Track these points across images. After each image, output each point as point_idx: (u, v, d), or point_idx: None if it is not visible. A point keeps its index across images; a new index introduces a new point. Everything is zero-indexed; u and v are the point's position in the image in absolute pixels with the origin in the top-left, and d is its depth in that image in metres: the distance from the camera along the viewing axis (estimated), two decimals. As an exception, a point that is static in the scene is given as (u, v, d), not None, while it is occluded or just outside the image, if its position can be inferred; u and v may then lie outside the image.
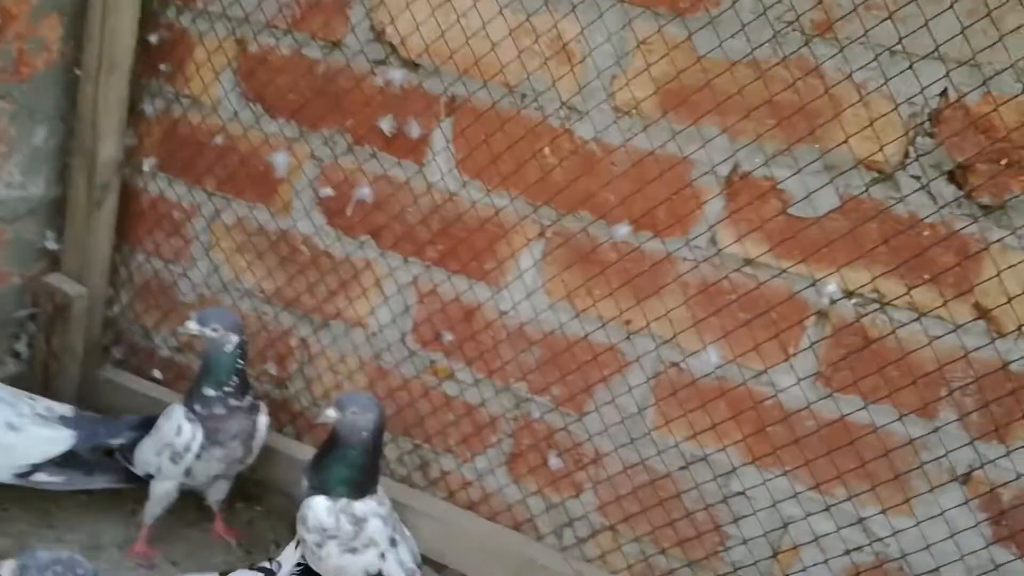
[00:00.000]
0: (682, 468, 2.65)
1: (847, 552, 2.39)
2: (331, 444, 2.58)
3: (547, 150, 2.65)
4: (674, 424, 2.63)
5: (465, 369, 2.91)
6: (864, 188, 2.21)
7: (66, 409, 2.94)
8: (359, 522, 2.56)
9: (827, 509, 2.40)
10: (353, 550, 2.56)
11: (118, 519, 3.07)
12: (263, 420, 2.86)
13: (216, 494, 2.98)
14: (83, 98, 3.10)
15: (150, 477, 2.86)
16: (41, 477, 2.81)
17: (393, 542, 2.66)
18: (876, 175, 2.20)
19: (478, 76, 2.68)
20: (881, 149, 2.14)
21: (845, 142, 2.18)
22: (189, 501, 3.01)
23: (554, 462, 2.82)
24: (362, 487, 2.59)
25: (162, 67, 3.19)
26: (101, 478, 2.94)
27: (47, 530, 2.96)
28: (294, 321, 3.18)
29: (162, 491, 2.84)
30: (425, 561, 2.81)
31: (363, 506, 2.59)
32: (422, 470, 3.06)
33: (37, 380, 3.32)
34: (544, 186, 2.67)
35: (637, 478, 2.72)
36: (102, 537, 2.99)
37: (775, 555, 2.56)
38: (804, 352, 2.42)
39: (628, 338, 2.66)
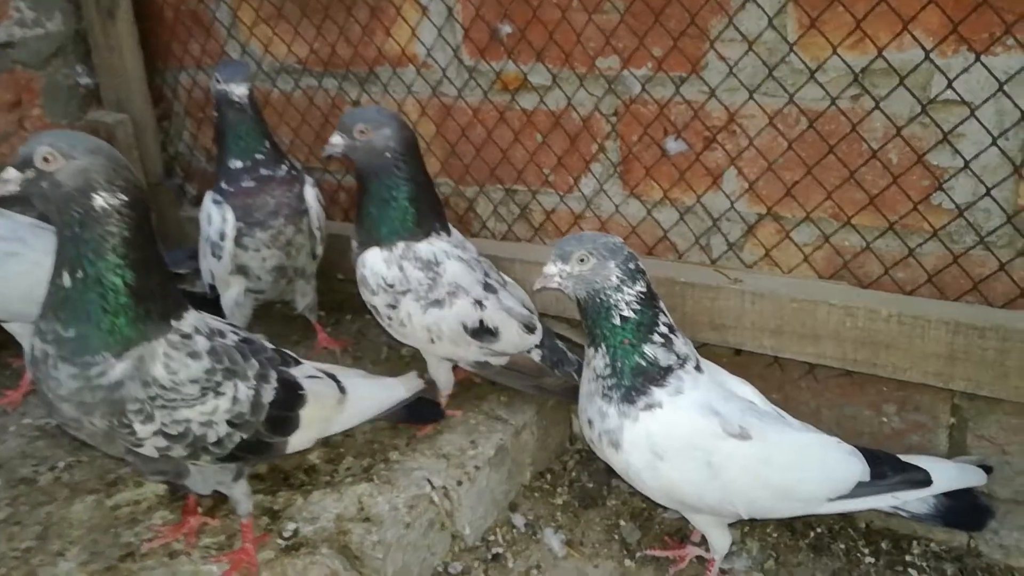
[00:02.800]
0: (855, 95, 1.80)
1: None
2: (362, 187, 2.00)
3: None
4: (828, 26, 1.77)
5: (537, 67, 2.20)
6: None
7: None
8: (431, 266, 1.99)
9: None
10: (437, 302, 2.00)
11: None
12: (311, 192, 2.33)
13: (301, 299, 2.52)
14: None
15: (216, 294, 2.44)
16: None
17: (489, 288, 2.06)
18: None
19: None
20: None
21: None
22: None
23: (674, 146, 2.06)
24: (419, 224, 2.00)
25: None
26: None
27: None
28: (338, 84, 2.60)
29: (230, 302, 2.41)
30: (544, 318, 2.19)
31: (429, 247, 2.01)
32: (524, 218, 2.41)
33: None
34: None
35: (791, 130, 1.90)
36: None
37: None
38: None
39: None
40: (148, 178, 2.96)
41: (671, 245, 2.18)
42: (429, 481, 2.06)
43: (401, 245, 1.98)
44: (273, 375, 1.73)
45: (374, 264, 1.99)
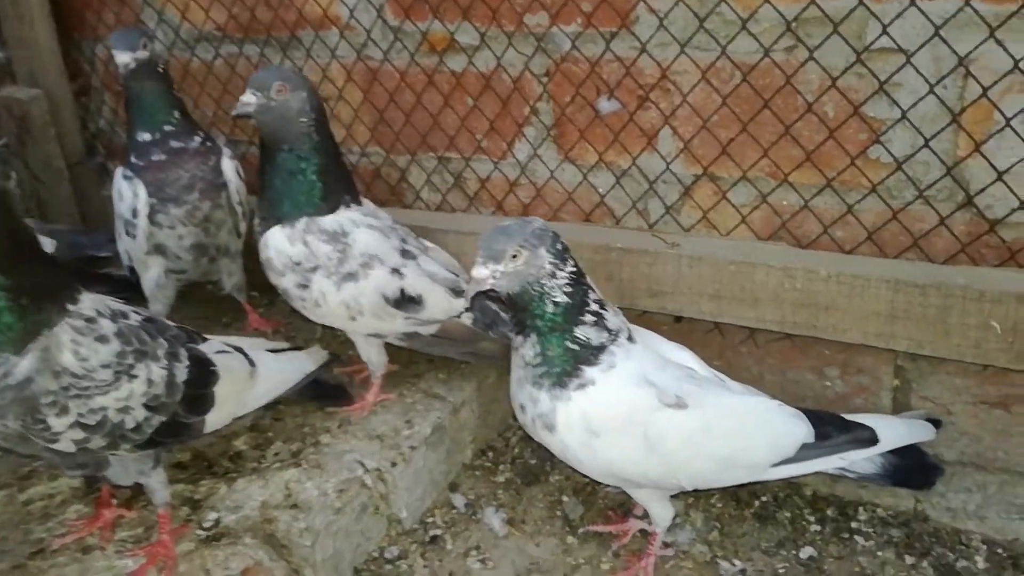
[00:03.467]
0: (789, 46, 1.72)
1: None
2: (267, 157, 1.87)
3: None
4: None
5: (464, 26, 2.09)
6: None
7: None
8: (337, 237, 1.88)
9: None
10: (351, 275, 1.89)
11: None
12: (229, 165, 2.20)
13: (228, 279, 2.40)
14: None
15: (137, 277, 2.31)
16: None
17: (407, 254, 1.96)
18: None
19: None
20: None
21: None
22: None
23: (607, 106, 1.98)
24: (326, 199, 1.88)
25: None
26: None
27: None
28: (260, 50, 2.47)
29: (151, 284, 2.28)
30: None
31: (336, 219, 1.90)
32: (458, 187, 2.31)
33: (33, 213, 2.86)
34: None
35: (725, 85, 1.82)
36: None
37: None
38: None
39: None
40: (68, 157, 2.82)
41: (608, 211, 2.10)
42: (361, 464, 1.97)
43: (303, 221, 1.87)
44: (183, 353, 1.65)
45: (277, 243, 1.87)
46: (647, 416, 1.56)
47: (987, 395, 1.78)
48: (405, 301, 1.94)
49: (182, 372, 1.63)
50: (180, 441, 1.80)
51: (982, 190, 1.63)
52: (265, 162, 1.86)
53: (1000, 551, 1.84)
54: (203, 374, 1.68)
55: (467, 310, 2.02)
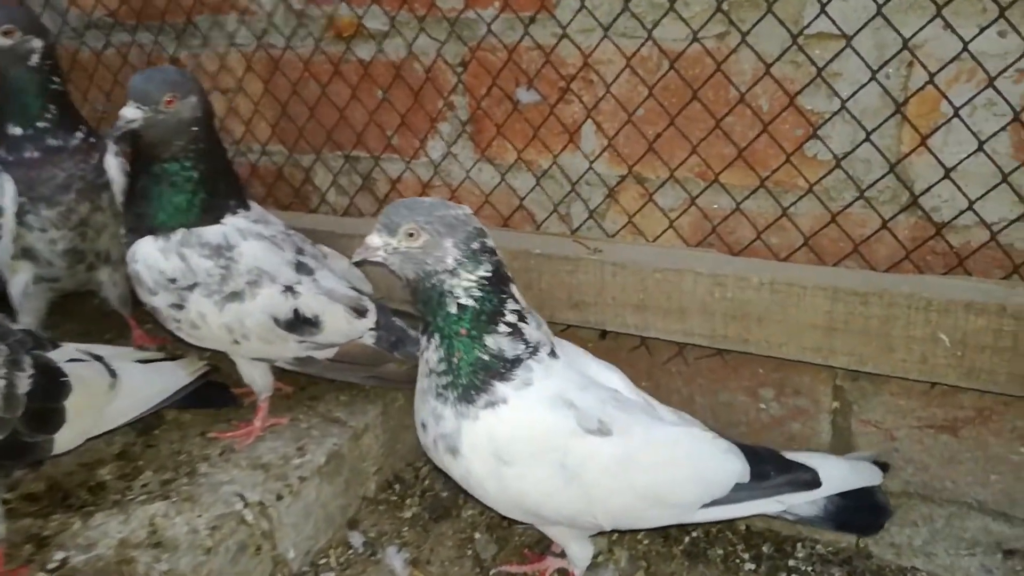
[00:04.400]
0: (720, 33, 1.57)
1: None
2: (141, 163, 1.64)
3: None
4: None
5: (373, 10, 1.91)
6: None
7: None
8: (221, 251, 1.65)
9: None
10: (235, 295, 1.66)
11: None
12: (114, 163, 1.96)
13: (111, 289, 2.15)
14: None
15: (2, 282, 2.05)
16: None
17: (303, 268, 1.75)
18: None
19: None
20: None
21: None
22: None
23: (526, 97, 1.80)
24: (209, 206, 1.66)
25: None
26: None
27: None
28: (154, 38, 2.25)
29: (18, 291, 2.02)
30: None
31: (220, 230, 1.67)
32: (367, 189, 2.11)
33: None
34: None
35: (652, 75, 1.66)
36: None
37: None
38: None
39: None
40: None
41: (528, 215, 1.92)
42: (241, 496, 1.72)
43: (180, 232, 1.64)
44: (27, 360, 1.44)
45: (147, 256, 1.64)
46: (565, 442, 1.35)
47: (933, 418, 1.63)
48: (300, 323, 1.72)
49: (24, 383, 1.42)
50: (21, 464, 1.58)
51: (928, 189, 1.49)
52: (140, 171, 1.63)
53: (949, 591, 1.68)
54: (51, 385, 1.47)
55: (371, 330, 1.80)
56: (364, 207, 2.12)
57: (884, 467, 1.58)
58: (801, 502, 1.51)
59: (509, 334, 1.35)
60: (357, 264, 1.39)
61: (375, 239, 1.31)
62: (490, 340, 1.34)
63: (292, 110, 2.11)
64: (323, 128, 2.08)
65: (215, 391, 1.89)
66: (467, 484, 1.42)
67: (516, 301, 1.38)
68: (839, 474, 1.52)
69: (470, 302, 1.32)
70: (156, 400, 1.67)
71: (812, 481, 1.49)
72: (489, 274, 1.33)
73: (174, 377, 1.72)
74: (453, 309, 1.32)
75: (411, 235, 1.29)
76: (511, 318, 1.35)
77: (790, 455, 1.53)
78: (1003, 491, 1.61)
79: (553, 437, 1.36)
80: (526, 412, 1.34)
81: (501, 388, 1.34)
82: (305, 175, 2.18)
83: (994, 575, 1.65)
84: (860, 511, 1.57)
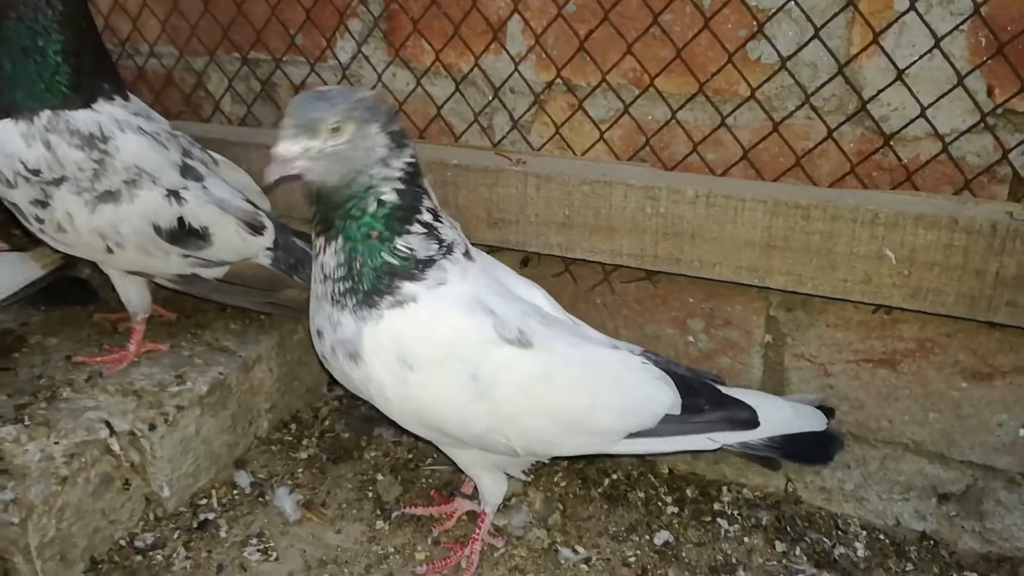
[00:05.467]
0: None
1: None
2: None
3: None
4: None
5: None
6: None
7: None
8: (94, 142, 1.44)
9: None
10: (110, 194, 1.45)
11: None
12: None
13: None
14: None
15: None
16: None
17: (190, 172, 1.54)
18: None
19: None
20: None
21: None
22: None
23: (444, -16, 1.62)
24: (76, 88, 1.43)
25: None
26: None
27: None
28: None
29: None
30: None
31: (93, 116, 1.45)
32: (267, 96, 1.90)
33: None
34: None
35: (584, -37, 1.50)
36: None
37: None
38: None
39: None
40: None
41: (446, 127, 1.74)
42: (107, 424, 1.52)
43: (46, 114, 1.41)
44: None
45: (6, 142, 1.41)
46: (479, 350, 1.20)
47: (872, 351, 1.52)
48: (184, 234, 1.52)
49: None
50: None
51: (878, 93, 1.37)
52: None
53: (881, 536, 1.58)
54: None
55: (268, 249, 1.60)
56: (264, 117, 1.92)
57: (830, 413, 1.47)
58: (735, 442, 1.38)
59: (423, 234, 1.19)
60: (269, 188, 1.19)
61: (291, 147, 1.10)
62: (401, 242, 1.17)
63: (184, 5, 1.88)
64: (219, 26, 1.86)
65: (72, 287, 1.67)
66: (367, 392, 1.25)
67: (431, 197, 1.21)
68: (780, 416, 1.40)
69: (393, 196, 1.15)
70: (5, 293, 1.44)
71: (750, 420, 1.36)
72: (413, 159, 1.17)
73: (25, 269, 1.49)
74: (372, 207, 1.15)
75: (336, 130, 1.10)
76: (426, 216, 1.20)
77: (728, 390, 1.39)
78: (941, 430, 1.51)
79: (466, 343, 1.20)
80: (438, 312, 1.19)
81: (410, 287, 1.18)
82: (197, 80, 1.96)
83: (928, 521, 1.57)
84: (808, 441, 1.43)
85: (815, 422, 1.43)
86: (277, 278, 1.66)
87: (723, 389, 1.40)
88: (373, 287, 1.17)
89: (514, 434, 1.27)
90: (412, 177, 1.18)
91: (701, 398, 1.35)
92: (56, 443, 1.46)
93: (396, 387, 1.21)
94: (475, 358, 1.20)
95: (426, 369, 1.20)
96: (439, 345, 1.20)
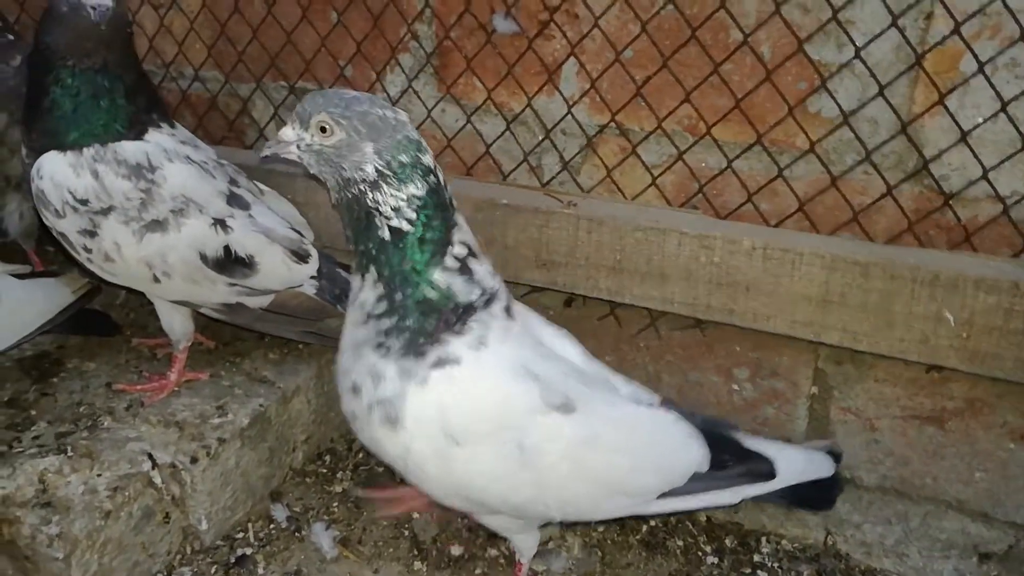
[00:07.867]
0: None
1: None
2: (50, 72, 1.40)
3: None
4: None
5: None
6: None
7: None
8: (141, 172, 1.44)
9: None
10: (158, 223, 1.45)
11: None
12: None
13: (15, 220, 1.90)
14: None
15: None
16: None
17: (236, 201, 1.54)
18: None
19: None
20: None
21: None
22: None
23: (504, 26, 1.62)
24: (127, 117, 1.44)
25: None
26: None
27: None
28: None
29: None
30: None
31: (141, 146, 1.46)
32: (314, 127, 1.89)
33: None
34: None
35: (646, 11, 1.50)
36: None
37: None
38: None
39: None
40: None
41: (494, 165, 1.74)
42: (149, 456, 1.51)
43: (94, 148, 1.42)
44: None
45: (55, 172, 1.42)
46: (527, 419, 1.16)
47: (920, 408, 1.51)
48: (231, 263, 1.51)
49: None
50: None
51: (940, 154, 1.36)
52: (51, 82, 1.41)
53: (922, 594, 1.57)
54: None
55: (312, 278, 1.60)
56: (310, 147, 1.91)
57: (838, 458, 1.45)
58: (752, 495, 1.36)
59: (459, 270, 1.13)
60: (266, 159, 1.18)
61: (288, 131, 1.13)
62: (438, 275, 1.12)
63: (232, 32, 1.88)
64: (267, 53, 1.86)
65: (95, 319, 1.68)
66: (402, 465, 1.19)
67: (465, 231, 1.16)
68: (794, 465, 1.37)
69: (405, 225, 1.10)
70: (37, 321, 1.46)
71: (769, 473, 1.34)
72: (421, 193, 1.10)
73: (57, 295, 1.49)
74: (386, 234, 1.10)
75: (323, 129, 1.09)
76: (459, 250, 1.14)
77: (748, 441, 1.37)
78: (987, 490, 1.50)
79: (515, 413, 1.16)
80: (485, 380, 1.14)
81: (454, 344, 1.13)
82: (243, 106, 1.95)
83: (967, 579, 1.56)
84: (811, 486, 1.40)
85: (824, 468, 1.41)
86: (321, 307, 1.65)
87: (742, 439, 1.37)
88: (419, 326, 1.12)
89: (554, 501, 1.24)
90: (429, 209, 1.10)
91: (725, 453, 1.32)
92: (99, 475, 1.46)
93: (438, 461, 1.16)
94: (522, 427, 1.16)
95: (472, 443, 1.15)
96: (488, 418, 1.16)
